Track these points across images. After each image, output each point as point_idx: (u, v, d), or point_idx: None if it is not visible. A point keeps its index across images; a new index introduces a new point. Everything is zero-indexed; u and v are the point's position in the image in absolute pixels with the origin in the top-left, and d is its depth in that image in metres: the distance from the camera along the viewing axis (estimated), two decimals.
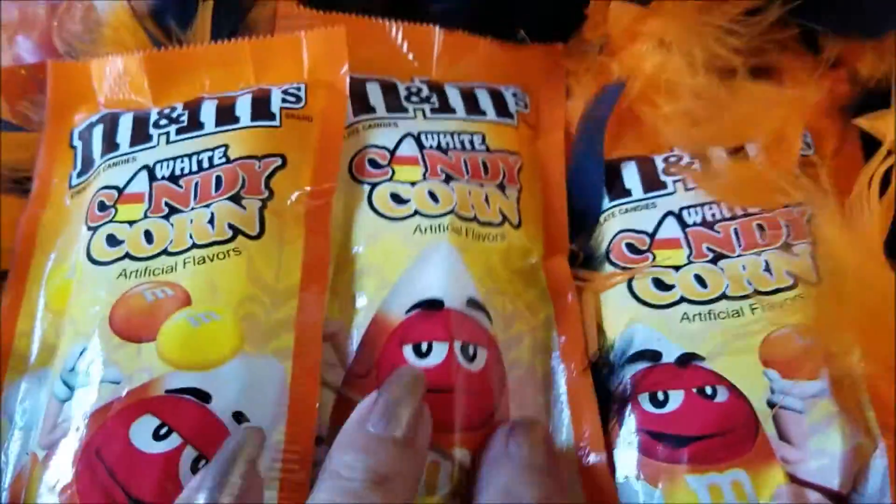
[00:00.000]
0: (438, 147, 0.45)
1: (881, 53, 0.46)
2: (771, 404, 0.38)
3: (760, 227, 0.43)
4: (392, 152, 0.44)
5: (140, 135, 0.44)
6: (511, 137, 0.47)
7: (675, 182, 0.45)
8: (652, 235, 0.44)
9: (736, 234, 0.43)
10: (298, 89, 0.46)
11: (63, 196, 0.45)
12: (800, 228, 0.43)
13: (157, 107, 0.46)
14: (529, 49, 0.50)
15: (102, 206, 0.42)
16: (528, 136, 0.48)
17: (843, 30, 0.46)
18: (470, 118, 0.47)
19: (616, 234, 0.45)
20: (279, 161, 0.43)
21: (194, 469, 0.34)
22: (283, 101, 0.45)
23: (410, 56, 0.49)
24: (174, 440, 0.35)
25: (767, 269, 0.42)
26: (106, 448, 0.35)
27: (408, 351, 0.38)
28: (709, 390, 0.39)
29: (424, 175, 0.44)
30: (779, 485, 0.37)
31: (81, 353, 0.37)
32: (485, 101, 0.48)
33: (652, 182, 0.46)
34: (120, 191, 0.42)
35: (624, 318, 0.42)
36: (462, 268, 0.41)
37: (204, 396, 0.36)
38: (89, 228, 0.41)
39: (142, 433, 0.35)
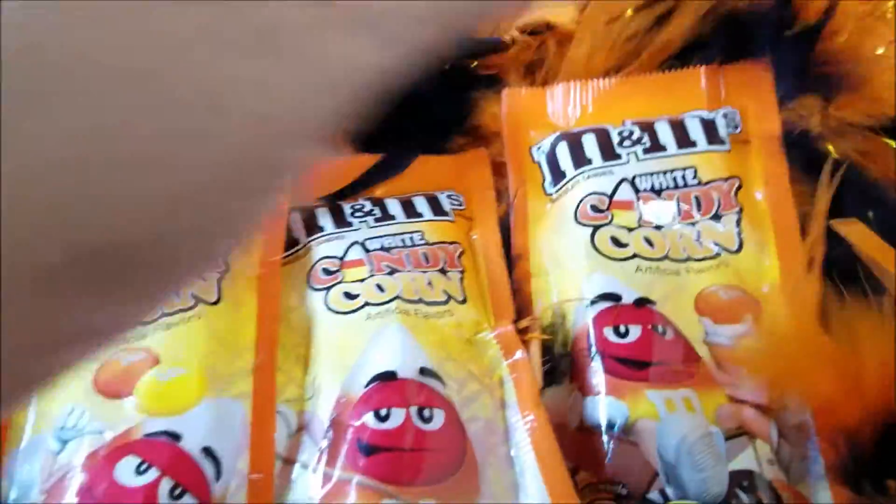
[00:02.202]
0: (382, 248, 0.52)
1: None
2: (707, 343, 0.47)
3: (697, 199, 0.52)
4: (341, 259, 0.52)
5: None
6: (449, 230, 0.54)
7: (628, 154, 0.54)
8: (610, 197, 0.52)
9: (678, 203, 0.51)
10: None
11: None
12: (728, 200, 0.51)
13: None
14: (459, 157, 0.58)
15: None
16: (465, 227, 0.55)
17: None
18: (408, 221, 0.54)
19: (584, 197, 0.53)
20: None
21: (172, 496, 0.42)
22: None
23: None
24: (153, 473, 0.42)
25: (698, 239, 0.50)
26: (96, 486, 0.42)
27: (369, 417, 0.45)
28: (660, 328, 0.48)
29: (371, 272, 0.51)
30: (720, 404, 0.45)
31: (70, 413, 0.45)
32: (422, 205, 0.55)
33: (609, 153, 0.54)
34: None
35: (588, 267, 0.50)
36: (412, 342, 0.48)
37: (175, 437, 0.43)
38: None
39: (125, 471, 0.42)
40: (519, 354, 0.48)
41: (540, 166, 0.56)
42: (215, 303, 0.48)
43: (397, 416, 0.44)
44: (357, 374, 0.46)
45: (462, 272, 0.52)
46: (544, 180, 0.55)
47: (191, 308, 0.48)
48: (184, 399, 0.45)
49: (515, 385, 0.47)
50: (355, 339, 0.48)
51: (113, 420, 0.44)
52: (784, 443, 0.45)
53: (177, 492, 0.42)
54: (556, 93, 0.57)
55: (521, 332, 0.50)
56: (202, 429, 0.44)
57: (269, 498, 0.44)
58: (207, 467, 0.43)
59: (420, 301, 0.50)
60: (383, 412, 0.44)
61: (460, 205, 0.56)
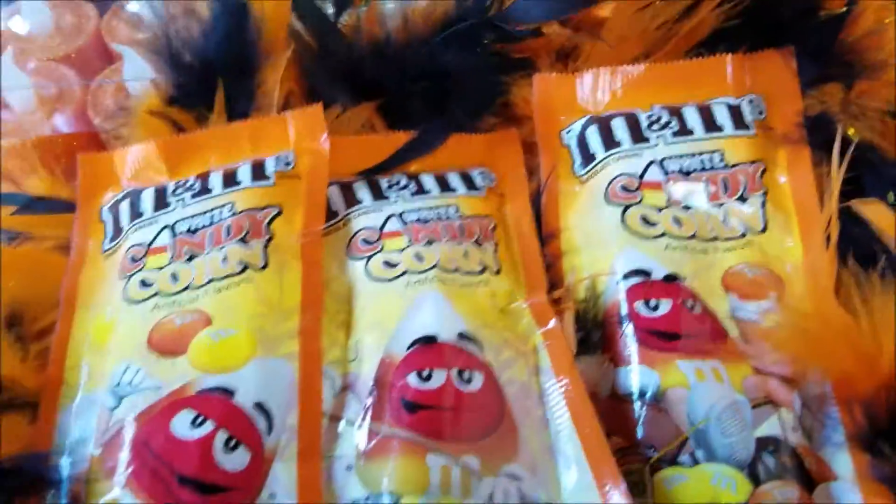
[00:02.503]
0: (419, 220, 0.54)
1: None
2: (734, 318, 0.49)
3: (724, 181, 0.54)
4: (380, 230, 0.54)
5: (160, 202, 0.55)
6: (482, 205, 0.57)
7: (657, 137, 0.56)
8: (640, 178, 0.55)
9: (706, 185, 0.54)
10: (288, 155, 0.56)
11: (97, 259, 0.55)
12: (754, 182, 0.54)
13: (173, 180, 0.57)
14: (491, 136, 0.60)
15: (133, 259, 0.52)
16: (497, 203, 0.58)
17: None
18: (443, 195, 0.56)
19: (614, 178, 0.55)
20: (276, 210, 0.53)
21: (227, 448, 0.43)
22: (276, 165, 0.56)
23: None
24: (208, 426, 0.44)
25: (725, 220, 0.53)
26: (152, 439, 0.44)
27: (412, 377, 0.47)
28: (689, 303, 0.50)
29: (409, 242, 0.53)
30: (746, 375, 0.48)
31: (125, 371, 0.47)
32: (455, 181, 0.58)
33: (638, 136, 0.57)
34: (147, 246, 0.53)
35: (619, 244, 0.53)
36: (451, 308, 0.50)
37: (229, 392, 0.45)
38: (122, 277, 0.52)
39: (181, 424, 0.44)
40: (552, 323, 0.50)
41: (570, 149, 0.58)
42: (263, 268, 0.50)
43: (439, 377, 0.47)
44: (399, 338, 0.48)
45: (496, 244, 0.55)
46: (574, 162, 0.58)
47: (240, 273, 0.50)
48: (236, 357, 0.47)
49: (549, 351, 0.49)
50: (396, 305, 0.50)
51: (168, 377, 0.46)
52: (807, 412, 0.47)
53: (232, 443, 0.44)
54: (585, 79, 0.60)
55: (555, 302, 0.52)
56: (254, 385, 0.46)
57: (317, 451, 0.45)
58: (260, 421, 0.45)
59: (457, 270, 0.52)
60: (425, 373, 0.47)
61: (492, 181, 0.58)
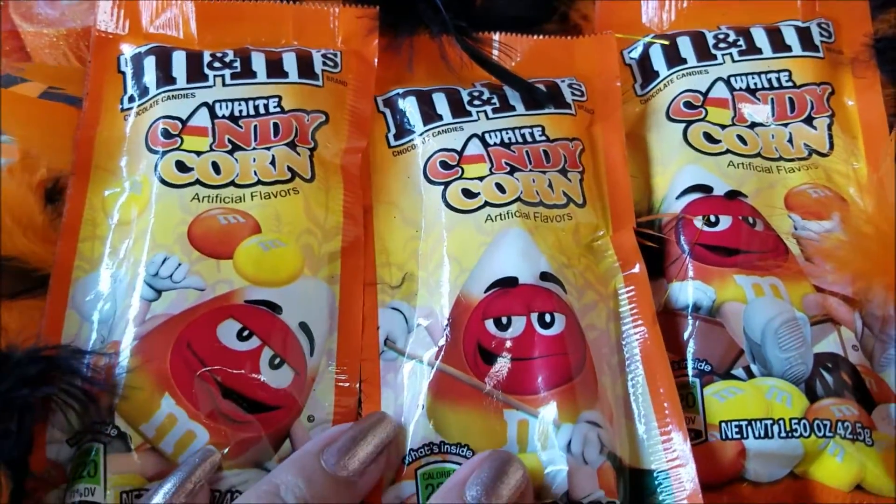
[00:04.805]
0: (502, 143, 0.50)
1: None
2: (795, 236, 0.49)
3: (791, 100, 0.53)
4: (460, 153, 0.50)
5: (195, 73, 0.51)
6: (570, 125, 0.53)
7: (723, 55, 0.55)
8: (705, 94, 0.54)
9: (772, 103, 0.53)
10: (335, 55, 0.53)
11: (115, 116, 0.50)
12: (821, 104, 0.53)
13: (205, 49, 0.52)
14: (581, 41, 0.56)
15: (167, 134, 0.48)
16: (586, 121, 0.54)
17: None
18: (529, 113, 0.52)
19: (678, 95, 0.54)
20: (323, 117, 0.51)
21: (272, 365, 0.43)
22: (324, 63, 0.52)
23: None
24: (255, 342, 0.43)
25: (790, 140, 0.52)
26: (197, 342, 0.43)
27: (489, 324, 0.45)
28: (750, 220, 0.50)
29: (491, 170, 0.49)
30: (806, 293, 0.47)
31: (164, 262, 0.45)
32: (542, 96, 0.53)
33: (704, 54, 0.56)
34: (183, 122, 0.49)
35: (680, 161, 0.52)
36: (532, 247, 0.47)
37: (276, 308, 0.44)
38: (153, 151, 0.48)
39: (227, 333, 0.43)
40: (637, 268, 0.48)
41: (631, 69, 0.57)
42: (310, 180, 0.48)
43: (518, 324, 0.45)
44: (477, 277, 0.46)
45: (582, 172, 0.51)
46: (635, 82, 0.56)
47: (288, 181, 0.48)
48: (284, 272, 0.46)
49: (632, 299, 0.47)
50: (474, 240, 0.48)
51: (213, 279, 0.44)
52: (868, 332, 0.46)
53: (276, 361, 0.43)
54: None
55: (640, 226, 0.50)
56: (300, 304, 0.45)
57: (355, 377, 0.46)
58: (304, 342, 0.45)
59: (540, 203, 0.49)
60: (504, 320, 0.45)
61: (581, 95, 0.54)
